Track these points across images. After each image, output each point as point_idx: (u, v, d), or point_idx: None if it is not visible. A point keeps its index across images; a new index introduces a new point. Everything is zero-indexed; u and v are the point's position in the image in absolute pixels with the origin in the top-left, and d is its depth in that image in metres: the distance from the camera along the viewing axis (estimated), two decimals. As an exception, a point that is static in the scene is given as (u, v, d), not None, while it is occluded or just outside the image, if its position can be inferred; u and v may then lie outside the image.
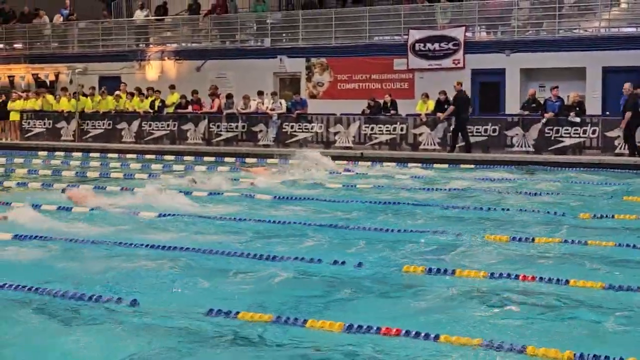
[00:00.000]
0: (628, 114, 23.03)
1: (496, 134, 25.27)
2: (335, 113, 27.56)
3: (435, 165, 23.63)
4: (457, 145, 25.25)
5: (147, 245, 11.76)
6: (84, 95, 31.75)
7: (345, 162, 24.24)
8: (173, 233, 13.12)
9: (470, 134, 25.30)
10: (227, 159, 25.80)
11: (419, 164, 23.93)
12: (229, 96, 29.17)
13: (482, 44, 28.96)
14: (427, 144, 26.07)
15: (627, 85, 23.51)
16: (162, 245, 11.71)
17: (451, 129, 25.46)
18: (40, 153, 28.36)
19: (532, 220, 14.31)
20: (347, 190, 18.76)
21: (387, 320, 7.99)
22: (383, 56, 29.97)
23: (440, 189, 18.72)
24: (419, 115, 26.58)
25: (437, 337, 7.46)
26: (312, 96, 30.87)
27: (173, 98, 30.23)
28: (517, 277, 9.77)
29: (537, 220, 14.25)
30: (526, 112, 25.50)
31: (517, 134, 25.01)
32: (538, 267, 10.51)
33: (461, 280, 9.84)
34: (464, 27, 28.85)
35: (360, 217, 14.67)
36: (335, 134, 27.22)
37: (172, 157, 26.19)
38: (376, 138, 26.83)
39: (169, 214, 14.62)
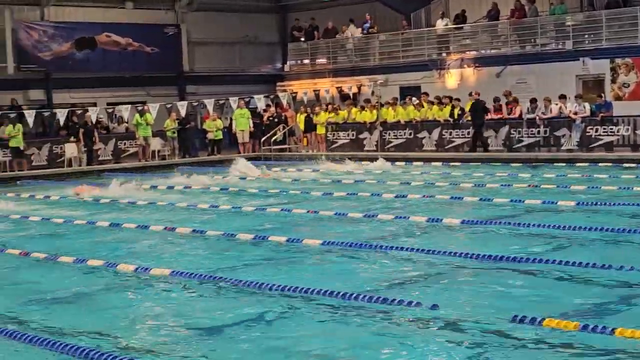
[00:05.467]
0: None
1: None
2: (643, 115, 26.38)
3: None
4: None
5: (446, 253, 11.87)
6: (382, 105, 32.42)
7: None
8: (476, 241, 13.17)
9: None
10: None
11: None
12: (533, 100, 28.69)
13: None
14: None
15: (473, 92, 29.36)
16: (463, 253, 11.77)
17: None
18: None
19: None
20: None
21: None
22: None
23: None
24: None
25: None
26: (617, 98, 29.69)
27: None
28: None
29: None
30: None
31: None
32: None
33: None
34: None
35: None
36: (644, 136, 26.05)
37: (475, 164, 26.10)
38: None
39: (470, 221, 14.68)
